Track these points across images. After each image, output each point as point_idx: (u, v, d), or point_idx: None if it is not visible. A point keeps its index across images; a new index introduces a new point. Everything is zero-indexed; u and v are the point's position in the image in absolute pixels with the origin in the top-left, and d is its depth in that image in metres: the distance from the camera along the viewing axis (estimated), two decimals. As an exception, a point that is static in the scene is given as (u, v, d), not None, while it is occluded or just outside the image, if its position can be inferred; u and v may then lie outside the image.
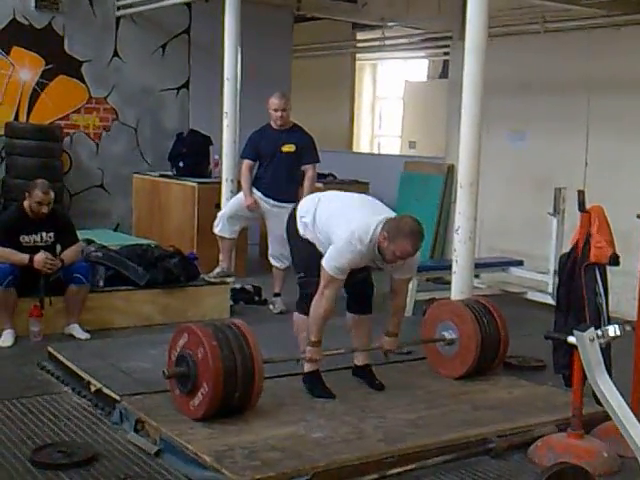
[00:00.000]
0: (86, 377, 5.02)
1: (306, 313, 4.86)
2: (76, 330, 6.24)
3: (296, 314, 5.05)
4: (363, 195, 5.28)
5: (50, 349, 5.60)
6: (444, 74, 12.67)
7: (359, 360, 5.15)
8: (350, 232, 4.58)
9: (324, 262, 4.64)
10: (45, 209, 6.13)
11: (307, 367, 4.91)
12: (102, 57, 9.59)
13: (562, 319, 5.02)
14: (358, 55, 13.85)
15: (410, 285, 7.46)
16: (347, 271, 4.64)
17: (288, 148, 7.18)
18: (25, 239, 6.16)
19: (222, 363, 4.23)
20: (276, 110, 7.14)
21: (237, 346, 4.33)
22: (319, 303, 4.68)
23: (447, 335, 5.31)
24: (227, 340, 4.34)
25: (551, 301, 7.24)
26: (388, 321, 5.03)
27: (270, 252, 7.41)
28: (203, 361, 4.26)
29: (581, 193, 4.82)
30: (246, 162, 7.32)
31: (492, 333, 5.26)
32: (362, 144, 14.47)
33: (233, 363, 4.28)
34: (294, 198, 7.17)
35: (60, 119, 9.38)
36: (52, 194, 6.19)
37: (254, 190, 7.28)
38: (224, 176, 7.74)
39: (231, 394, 4.30)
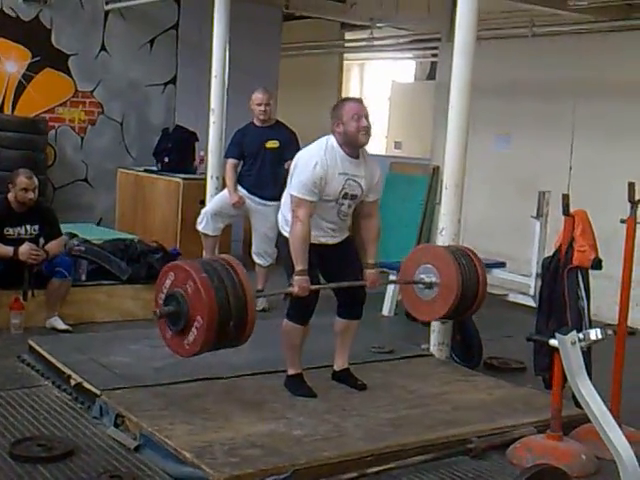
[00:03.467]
0: (67, 371, 5.01)
1: (296, 321, 4.79)
2: (57, 322, 6.24)
3: (286, 321, 4.86)
4: None
5: (31, 342, 5.57)
6: (431, 76, 12.70)
7: (338, 365, 5.11)
8: (303, 157, 4.69)
9: (291, 189, 4.65)
10: (31, 195, 6.11)
11: (290, 371, 4.90)
12: (89, 51, 9.54)
13: (544, 322, 5.04)
14: (346, 55, 13.83)
15: (390, 287, 7.52)
16: (315, 192, 4.57)
17: (272, 144, 7.20)
18: (9, 232, 6.15)
19: (214, 293, 4.10)
20: (259, 104, 7.17)
21: (226, 276, 4.20)
22: (295, 227, 4.59)
23: (427, 278, 5.21)
24: (215, 271, 4.21)
25: (532, 303, 7.28)
26: (366, 252, 4.93)
27: (253, 249, 7.40)
28: (194, 294, 4.13)
29: (565, 197, 4.83)
30: (230, 161, 7.33)
31: (471, 276, 5.16)
32: (348, 144, 14.44)
33: (224, 292, 4.13)
34: (279, 196, 7.18)
35: (45, 112, 9.32)
36: (36, 180, 6.18)
37: (239, 188, 7.28)
38: (209, 173, 7.72)
39: (226, 323, 4.15)
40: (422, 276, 5.23)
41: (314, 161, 4.60)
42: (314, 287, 4.67)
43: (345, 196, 4.75)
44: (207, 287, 4.11)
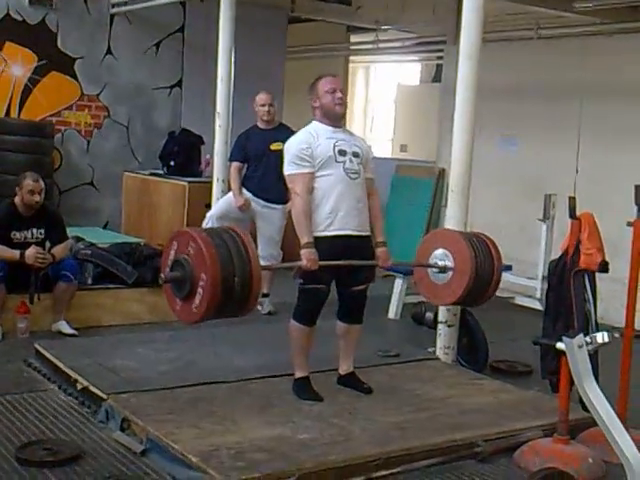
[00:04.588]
0: (73, 375, 5.01)
1: (302, 321, 4.79)
2: (63, 326, 6.23)
3: (292, 322, 4.86)
4: None
5: (37, 346, 5.57)
6: (437, 78, 12.70)
7: (343, 369, 5.09)
8: (289, 141, 4.88)
9: (284, 170, 4.81)
10: (38, 197, 6.12)
11: (297, 373, 4.89)
12: (95, 54, 9.57)
13: (550, 325, 5.02)
14: (352, 57, 13.86)
15: (397, 291, 7.51)
16: (304, 162, 4.70)
17: (276, 146, 7.17)
18: (16, 235, 6.16)
19: (215, 249, 4.10)
20: (263, 105, 7.19)
21: (228, 236, 4.21)
22: (294, 202, 4.75)
23: (440, 262, 5.15)
24: (217, 232, 4.27)
25: (539, 306, 7.26)
26: (373, 231, 4.96)
27: (259, 252, 7.35)
28: (197, 254, 4.12)
29: (572, 200, 4.82)
30: (234, 164, 7.32)
31: (485, 257, 5.10)
32: (354, 146, 14.44)
33: (226, 248, 4.13)
34: (284, 199, 7.19)
35: (52, 115, 9.35)
36: (42, 183, 6.19)
37: (244, 191, 7.27)
38: (215, 176, 7.73)
39: (230, 279, 4.10)
40: (436, 260, 5.19)
41: (297, 138, 4.85)
42: (323, 263, 4.65)
43: (342, 153, 4.80)
44: (208, 243, 4.12)
